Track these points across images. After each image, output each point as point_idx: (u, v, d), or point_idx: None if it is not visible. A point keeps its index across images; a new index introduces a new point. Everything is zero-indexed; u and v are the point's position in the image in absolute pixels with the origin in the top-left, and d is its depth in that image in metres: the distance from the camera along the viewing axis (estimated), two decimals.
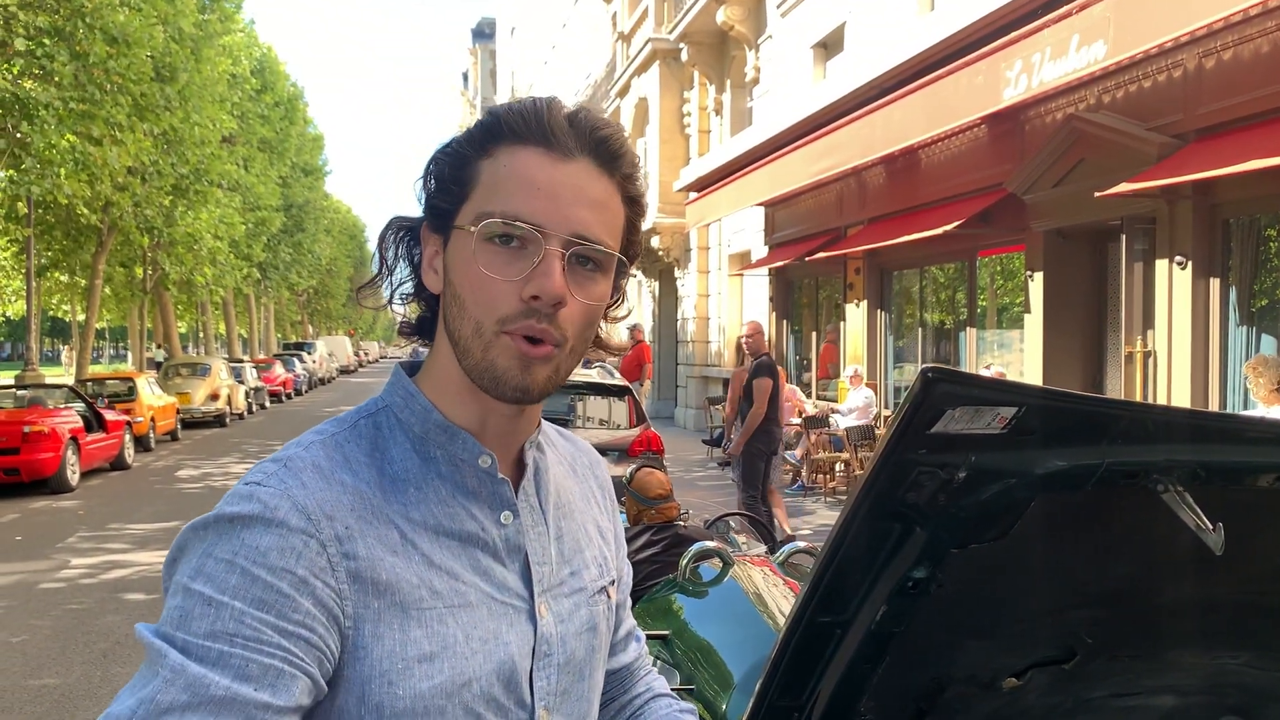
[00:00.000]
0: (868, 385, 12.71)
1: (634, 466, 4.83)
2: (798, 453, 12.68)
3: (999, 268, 11.48)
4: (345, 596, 0.89)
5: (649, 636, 3.77)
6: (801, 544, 4.25)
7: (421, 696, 0.91)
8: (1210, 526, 1.10)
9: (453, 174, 0.98)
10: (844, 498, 11.28)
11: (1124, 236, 8.45)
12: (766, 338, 10.25)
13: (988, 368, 10.81)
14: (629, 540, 4.22)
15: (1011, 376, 9.99)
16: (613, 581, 1.15)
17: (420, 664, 0.91)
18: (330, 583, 0.88)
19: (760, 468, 8.71)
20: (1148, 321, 8.35)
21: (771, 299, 17.27)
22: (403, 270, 1.05)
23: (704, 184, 16.18)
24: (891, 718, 1.58)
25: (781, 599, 3.79)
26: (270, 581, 0.85)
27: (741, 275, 18.65)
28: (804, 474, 12.47)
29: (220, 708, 0.81)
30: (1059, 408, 1.05)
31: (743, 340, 8.95)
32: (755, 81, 18.08)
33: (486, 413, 1.01)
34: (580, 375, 9.19)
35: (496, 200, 0.94)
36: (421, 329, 1.07)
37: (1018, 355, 10.45)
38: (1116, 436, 1.10)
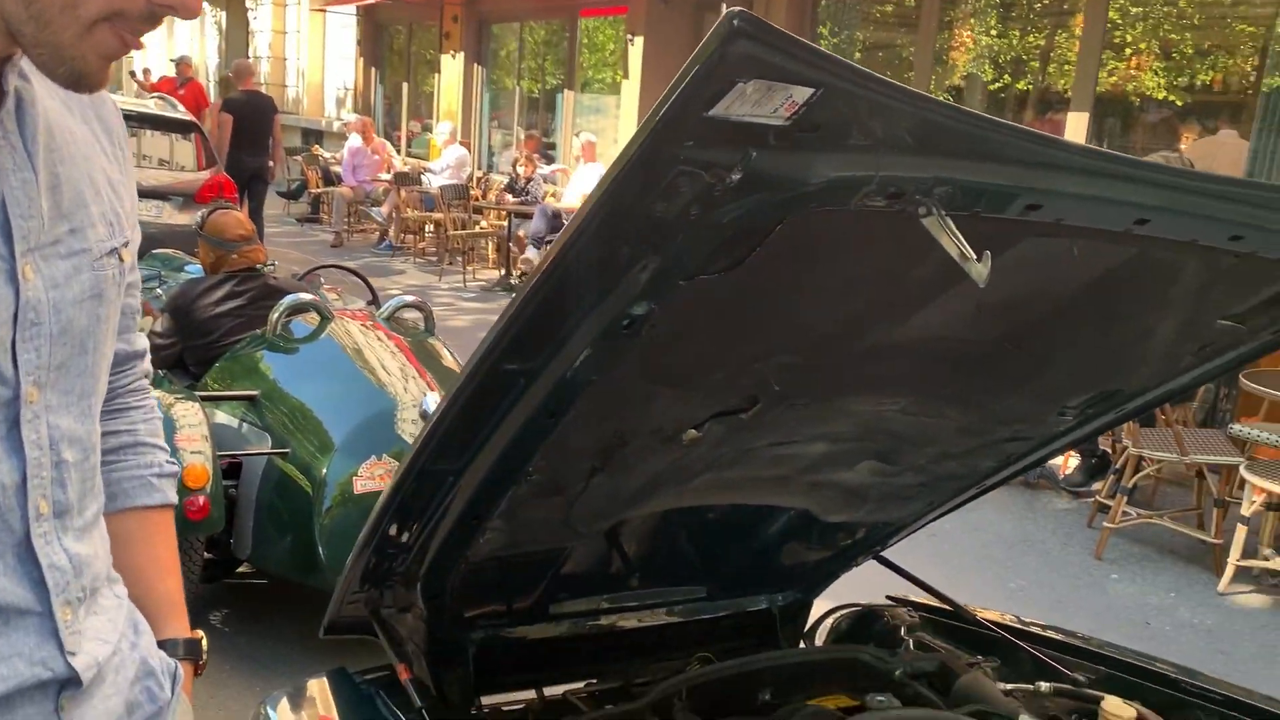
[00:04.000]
0: (461, 144, 12.26)
1: (206, 210, 4.22)
2: (385, 210, 12.09)
3: (590, 38, 11.33)
4: None
5: (233, 398, 3.37)
6: (410, 298, 3.98)
7: None
8: (975, 256, 0.96)
9: None
10: (434, 259, 11.00)
11: (723, 6, 8.58)
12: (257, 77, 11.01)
13: (578, 135, 10.76)
14: (209, 291, 3.67)
15: (605, 143, 10.07)
16: (125, 244, 0.99)
17: None
18: None
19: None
20: None
21: (359, 43, 15.98)
22: None
23: None
24: (562, 477, 1.39)
25: (387, 355, 3.53)
26: None
27: (324, 11, 16.97)
28: (392, 233, 11.97)
29: None
30: (858, 94, 0.83)
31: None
32: None
33: None
34: (134, 105, 7.89)
35: None
36: None
37: (613, 122, 10.55)
38: (895, 142, 0.90)
